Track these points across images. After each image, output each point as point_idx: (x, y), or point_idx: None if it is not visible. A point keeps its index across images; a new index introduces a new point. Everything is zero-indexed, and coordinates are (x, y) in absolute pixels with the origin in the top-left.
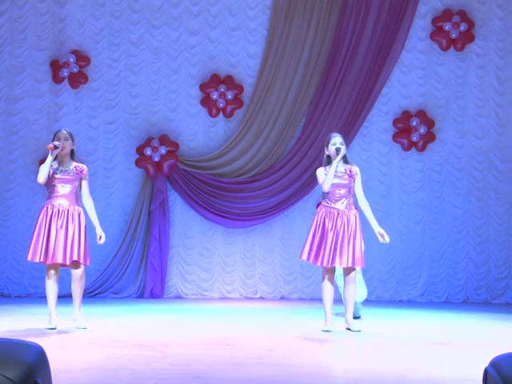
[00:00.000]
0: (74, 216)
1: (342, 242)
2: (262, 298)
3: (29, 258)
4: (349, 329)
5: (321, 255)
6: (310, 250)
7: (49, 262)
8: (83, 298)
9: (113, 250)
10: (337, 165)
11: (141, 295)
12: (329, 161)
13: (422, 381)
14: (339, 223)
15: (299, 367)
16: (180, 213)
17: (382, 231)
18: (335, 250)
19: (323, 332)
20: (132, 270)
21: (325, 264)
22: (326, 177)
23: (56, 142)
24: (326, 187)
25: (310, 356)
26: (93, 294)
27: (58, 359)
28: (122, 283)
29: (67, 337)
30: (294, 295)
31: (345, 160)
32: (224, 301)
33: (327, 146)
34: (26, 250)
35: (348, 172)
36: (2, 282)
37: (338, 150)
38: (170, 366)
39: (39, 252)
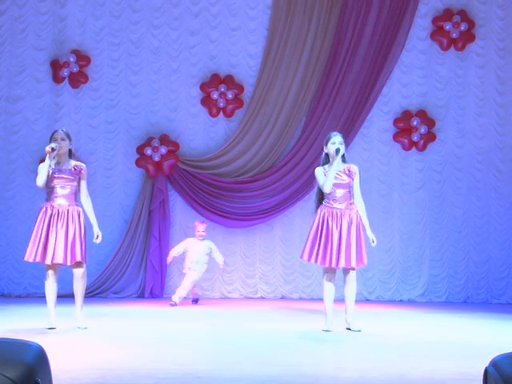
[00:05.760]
0: (73, 216)
1: (348, 242)
2: (262, 298)
3: (25, 257)
4: (349, 329)
5: (328, 256)
6: (312, 249)
7: (49, 262)
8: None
9: (113, 249)
10: (336, 165)
11: (141, 295)
12: (327, 159)
13: (421, 381)
14: (344, 224)
15: (299, 367)
16: (180, 213)
17: (373, 236)
18: (340, 250)
19: (323, 332)
20: (132, 269)
21: (333, 265)
22: (326, 178)
23: (53, 145)
24: (328, 188)
25: (310, 356)
26: (93, 293)
27: (58, 359)
28: (122, 283)
29: (67, 337)
30: (295, 295)
31: (343, 159)
32: (224, 300)
33: (326, 145)
34: (26, 249)
35: (347, 171)
36: (3, 282)
37: (337, 151)
38: (170, 365)
39: (35, 252)
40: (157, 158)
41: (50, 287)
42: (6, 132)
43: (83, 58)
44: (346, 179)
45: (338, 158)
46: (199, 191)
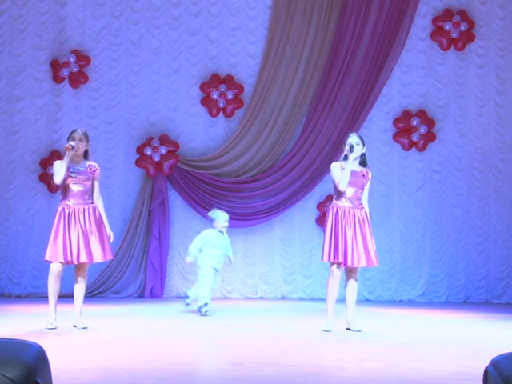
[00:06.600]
0: (90, 214)
1: (364, 241)
2: (262, 298)
3: (46, 257)
4: (349, 329)
5: (344, 255)
6: (330, 250)
7: (75, 262)
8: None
9: (113, 249)
10: (352, 163)
11: (141, 295)
12: (345, 159)
13: (422, 381)
14: (357, 223)
15: (299, 367)
16: (180, 213)
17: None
18: (358, 249)
19: (323, 332)
20: (132, 269)
21: (349, 263)
22: (341, 176)
23: (72, 143)
24: (343, 187)
25: (310, 356)
26: (93, 293)
27: (57, 359)
28: (122, 283)
29: (67, 337)
30: (295, 295)
31: (363, 164)
32: (224, 301)
33: (344, 146)
34: (26, 249)
35: (364, 173)
36: (3, 282)
37: (351, 148)
38: (169, 365)
39: (60, 252)
40: (157, 158)
41: (55, 287)
42: (5, 132)
43: (83, 58)
44: (360, 180)
45: (353, 157)
46: (199, 191)
